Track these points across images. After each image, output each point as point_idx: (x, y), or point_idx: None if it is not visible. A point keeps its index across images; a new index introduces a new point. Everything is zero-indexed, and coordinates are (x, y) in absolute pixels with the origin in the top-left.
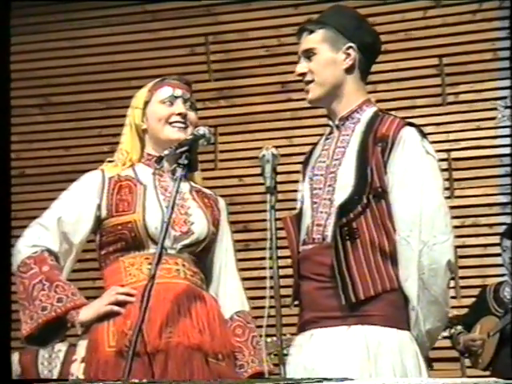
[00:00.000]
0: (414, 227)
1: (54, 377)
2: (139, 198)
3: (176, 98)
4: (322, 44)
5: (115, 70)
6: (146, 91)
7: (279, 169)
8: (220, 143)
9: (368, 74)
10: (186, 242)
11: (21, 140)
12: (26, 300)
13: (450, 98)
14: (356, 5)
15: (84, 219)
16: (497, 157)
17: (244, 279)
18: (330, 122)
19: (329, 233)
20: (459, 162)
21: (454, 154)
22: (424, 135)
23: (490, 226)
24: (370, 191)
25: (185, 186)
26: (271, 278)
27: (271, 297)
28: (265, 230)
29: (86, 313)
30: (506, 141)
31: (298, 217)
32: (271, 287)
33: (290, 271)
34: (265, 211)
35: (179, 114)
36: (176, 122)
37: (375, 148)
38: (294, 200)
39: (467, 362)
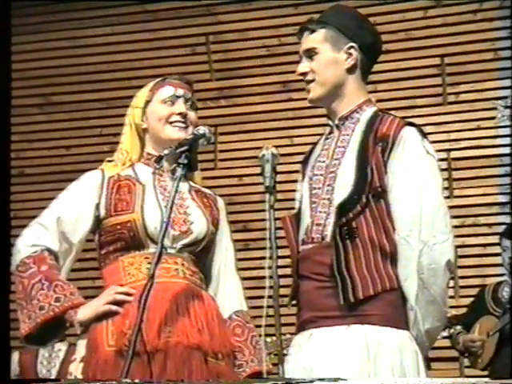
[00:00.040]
0: (414, 227)
1: (53, 376)
2: (138, 198)
3: (177, 97)
4: (323, 44)
5: (115, 69)
6: (147, 91)
7: (279, 168)
8: (220, 143)
9: (369, 73)
10: (186, 241)
11: (21, 140)
12: (24, 299)
13: (451, 98)
14: (356, 4)
15: (83, 219)
16: (497, 156)
17: (243, 279)
18: (330, 122)
19: (328, 232)
20: (459, 161)
21: (454, 154)
22: (424, 135)
23: (490, 225)
24: (369, 191)
25: (184, 186)
26: (270, 277)
27: (270, 296)
28: (264, 229)
29: (84, 312)
30: (506, 141)
31: (298, 216)
32: (270, 287)
33: (289, 271)
34: (264, 211)
35: (180, 114)
36: (176, 121)
37: (375, 148)
38: (294, 200)
39: (466, 361)
